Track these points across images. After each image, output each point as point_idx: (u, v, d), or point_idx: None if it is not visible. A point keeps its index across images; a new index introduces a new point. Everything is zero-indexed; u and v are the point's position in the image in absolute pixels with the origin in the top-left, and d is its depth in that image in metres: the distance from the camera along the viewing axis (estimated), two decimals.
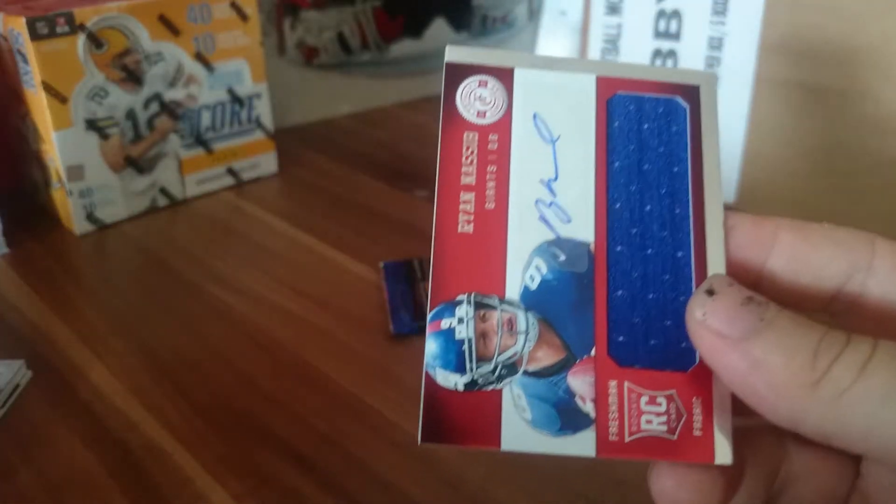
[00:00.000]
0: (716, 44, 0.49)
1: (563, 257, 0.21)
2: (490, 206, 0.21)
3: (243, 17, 0.54)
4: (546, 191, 0.21)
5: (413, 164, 0.61)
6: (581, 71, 0.23)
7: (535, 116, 0.22)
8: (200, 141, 0.54)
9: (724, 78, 0.49)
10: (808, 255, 0.20)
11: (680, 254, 0.21)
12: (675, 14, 0.51)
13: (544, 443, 0.19)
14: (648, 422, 0.20)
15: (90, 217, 0.50)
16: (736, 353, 0.18)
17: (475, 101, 0.22)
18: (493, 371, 0.20)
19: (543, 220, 0.21)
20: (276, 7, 0.65)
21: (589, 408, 0.20)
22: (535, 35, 0.77)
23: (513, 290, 0.20)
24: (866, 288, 0.20)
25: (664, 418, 0.20)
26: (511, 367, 0.20)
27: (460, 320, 0.20)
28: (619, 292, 0.21)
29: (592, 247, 0.21)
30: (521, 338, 0.20)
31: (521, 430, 0.19)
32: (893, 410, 0.16)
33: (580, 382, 0.20)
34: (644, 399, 0.20)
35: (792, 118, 0.47)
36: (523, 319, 0.20)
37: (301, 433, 0.33)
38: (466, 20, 0.75)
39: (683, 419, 0.20)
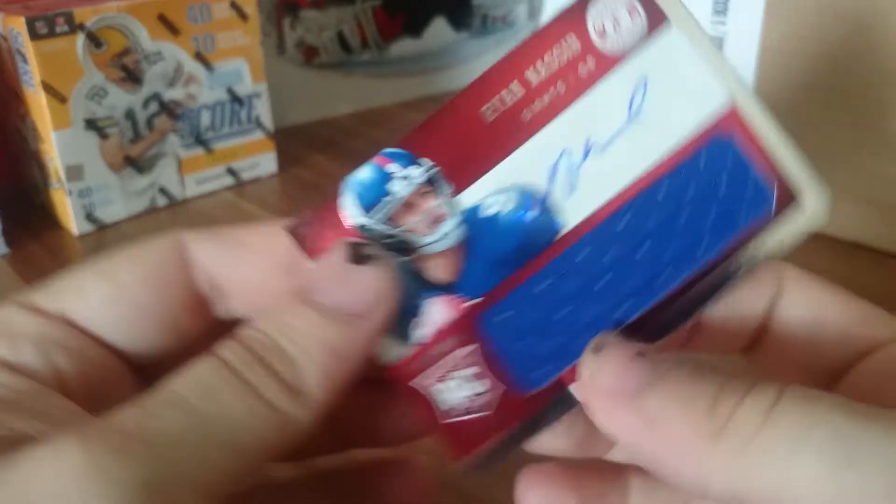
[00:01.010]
0: (716, 43, 0.49)
1: (531, 216, 0.19)
2: (525, 116, 0.19)
3: (243, 16, 0.54)
4: (581, 150, 0.19)
5: None
6: (723, 80, 0.19)
7: (644, 81, 0.19)
8: (200, 141, 0.54)
9: None
10: (736, 296, 0.19)
11: (616, 316, 0.19)
12: None
13: None
14: (449, 389, 0.19)
15: (89, 217, 0.50)
16: (629, 411, 0.16)
17: (608, 16, 0.19)
18: (387, 237, 0.19)
19: (553, 170, 0.19)
20: (275, 6, 0.65)
21: (420, 334, 0.19)
22: None
23: (468, 198, 0.19)
24: (775, 316, 0.19)
25: (466, 400, 0.19)
26: (402, 250, 0.19)
27: (405, 177, 0.19)
28: (539, 287, 0.19)
29: (561, 234, 0.19)
30: (434, 237, 0.19)
31: None
32: (807, 456, 0.15)
33: (437, 310, 0.19)
34: (471, 371, 0.19)
35: (793, 118, 0.47)
36: (450, 226, 0.19)
37: None
38: (467, 19, 0.75)
39: (475, 416, 0.19)
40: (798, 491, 0.15)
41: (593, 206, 0.19)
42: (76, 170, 0.49)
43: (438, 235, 0.19)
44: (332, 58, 0.69)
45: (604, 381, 0.17)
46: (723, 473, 0.15)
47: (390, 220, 0.19)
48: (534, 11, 0.77)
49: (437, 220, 0.19)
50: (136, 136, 0.51)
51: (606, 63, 0.19)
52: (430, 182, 0.19)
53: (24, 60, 0.46)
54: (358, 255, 0.18)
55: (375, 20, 0.70)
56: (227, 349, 0.17)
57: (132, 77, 0.50)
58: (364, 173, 0.19)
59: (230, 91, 0.55)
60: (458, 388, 0.19)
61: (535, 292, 0.19)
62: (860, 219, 0.46)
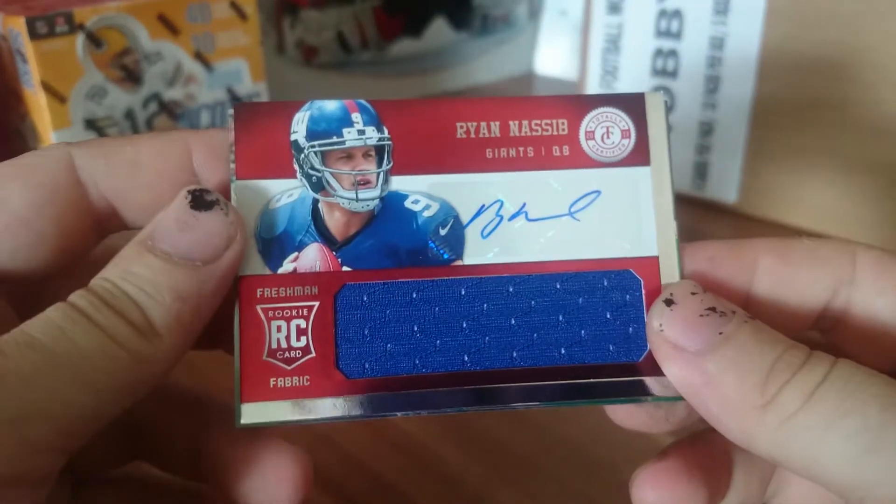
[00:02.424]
0: (717, 43, 0.49)
1: (439, 232, 0.20)
2: (488, 154, 0.20)
3: (243, 16, 0.54)
4: (514, 209, 0.20)
5: None
6: (660, 236, 0.21)
7: (598, 193, 0.21)
8: None
9: (725, 78, 0.49)
10: (790, 277, 0.20)
11: (464, 359, 0.20)
12: (677, 13, 0.51)
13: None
14: (280, 330, 0.20)
15: None
16: (691, 367, 0.18)
17: (604, 125, 0.21)
18: (313, 170, 0.20)
19: (481, 209, 0.20)
20: (275, 6, 0.65)
21: (289, 267, 0.20)
22: (536, 35, 0.77)
23: (399, 184, 0.20)
24: (851, 303, 0.20)
25: (289, 349, 0.19)
26: (318, 185, 0.20)
27: (361, 132, 0.20)
28: (412, 295, 0.20)
29: (455, 263, 0.20)
30: (351, 196, 0.20)
31: (269, 220, 0.20)
32: (835, 440, 0.16)
33: (312, 256, 0.20)
34: (298, 324, 0.19)
35: (794, 117, 0.47)
36: (370, 195, 0.20)
37: (300, 434, 0.33)
38: (467, 19, 0.75)
39: (290, 369, 0.20)
40: (825, 470, 0.16)
41: (496, 258, 0.20)
42: None
43: (355, 196, 0.20)
44: (331, 58, 0.69)
45: (671, 334, 0.18)
46: (764, 441, 0.17)
47: (324, 157, 0.20)
48: (534, 11, 0.77)
49: (362, 184, 0.20)
50: None
51: (578, 160, 0.21)
52: (378, 150, 0.20)
53: (24, 60, 0.46)
54: (201, 201, 0.19)
55: (375, 20, 0.70)
56: (78, 296, 0.18)
57: (132, 77, 0.50)
58: (331, 105, 0.20)
59: (230, 91, 0.55)
60: (286, 334, 0.20)
61: (406, 298, 0.20)
62: (858, 217, 0.46)
